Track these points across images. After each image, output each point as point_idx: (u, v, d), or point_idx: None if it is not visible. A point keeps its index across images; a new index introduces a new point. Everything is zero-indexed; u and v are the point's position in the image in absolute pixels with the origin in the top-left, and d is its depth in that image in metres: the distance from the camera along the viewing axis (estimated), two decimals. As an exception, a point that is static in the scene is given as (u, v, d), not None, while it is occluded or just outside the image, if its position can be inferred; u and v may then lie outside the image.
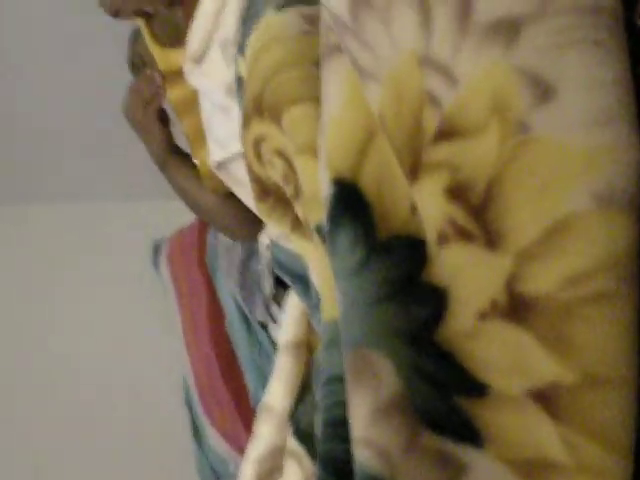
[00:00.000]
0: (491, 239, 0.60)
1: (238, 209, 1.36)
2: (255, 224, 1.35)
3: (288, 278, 1.07)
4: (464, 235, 0.62)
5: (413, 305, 0.66)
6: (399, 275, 0.67)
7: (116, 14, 1.32)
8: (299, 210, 0.91)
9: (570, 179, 0.56)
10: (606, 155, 0.55)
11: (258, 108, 0.91)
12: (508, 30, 0.56)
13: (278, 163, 0.91)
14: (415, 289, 0.66)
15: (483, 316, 0.62)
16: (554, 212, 0.57)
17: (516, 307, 0.59)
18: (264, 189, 0.99)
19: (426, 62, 0.61)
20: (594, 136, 0.55)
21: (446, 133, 0.61)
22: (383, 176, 0.69)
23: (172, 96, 1.34)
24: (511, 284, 0.59)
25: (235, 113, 1.09)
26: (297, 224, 0.95)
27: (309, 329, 1.12)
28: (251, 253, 1.54)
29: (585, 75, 0.55)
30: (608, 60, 0.55)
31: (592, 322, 0.56)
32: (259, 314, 1.52)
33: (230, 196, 1.33)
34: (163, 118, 1.40)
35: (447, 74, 0.60)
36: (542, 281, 0.58)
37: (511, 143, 0.57)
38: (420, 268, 0.66)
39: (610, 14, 0.56)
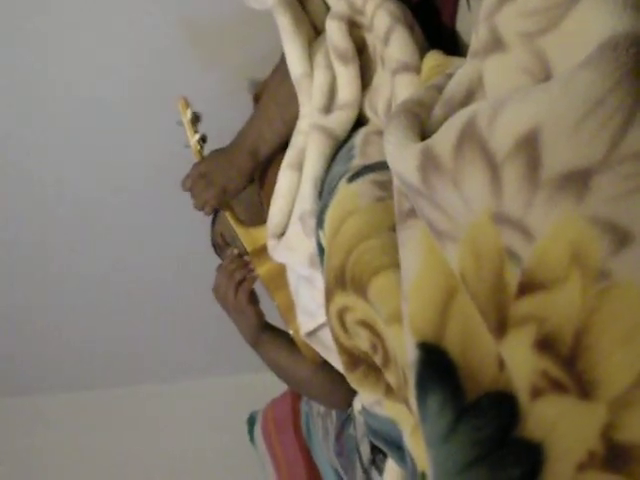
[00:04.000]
0: (584, 389, 0.59)
1: (332, 377, 1.36)
2: (349, 391, 1.34)
3: (382, 445, 1.05)
4: (557, 387, 0.60)
5: (506, 464, 0.64)
6: (490, 435, 0.65)
7: (202, 209, 1.40)
8: (390, 378, 0.90)
9: None
10: None
11: (340, 281, 0.93)
12: (577, 182, 0.57)
13: (363, 333, 0.92)
14: (508, 447, 0.64)
15: (581, 468, 0.60)
16: None
17: (614, 457, 0.57)
18: (353, 359, 0.99)
19: (500, 219, 0.62)
20: None
21: (529, 287, 0.61)
22: (467, 334, 0.69)
23: (261, 272, 1.38)
24: (607, 434, 0.58)
25: (319, 283, 1.11)
26: (391, 389, 0.94)
27: (412, 494, 1.08)
28: (346, 419, 1.52)
29: None
30: None
31: None
32: (360, 482, 1.48)
33: (324, 364, 1.33)
34: (253, 298, 1.44)
35: (522, 229, 0.60)
36: (639, 428, 0.56)
37: (593, 292, 0.57)
38: (512, 425, 0.65)
39: None
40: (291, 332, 1.36)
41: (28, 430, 2.53)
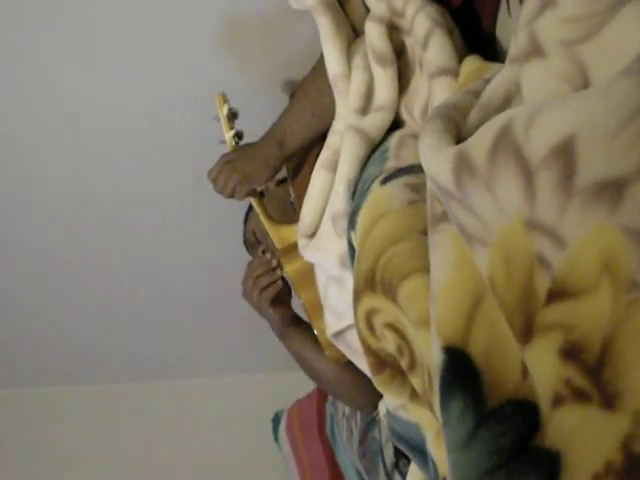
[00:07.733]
0: (607, 399, 0.58)
1: (357, 377, 1.36)
2: (375, 393, 1.34)
3: (405, 449, 1.05)
4: (580, 396, 0.60)
5: (524, 473, 0.64)
6: (510, 443, 0.65)
7: (231, 196, 1.40)
8: (415, 382, 0.90)
9: None
10: None
11: (370, 283, 0.93)
12: (612, 191, 0.57)
13: (390, 336, 0.92)
14: (527, 456, 0.64)
15: (597, 478, 0.59)
16: None
17: (631, 467, 0.57)
18: (379, 361, 0.99)
19: (532, 225, 0.62)
20: None
21: (558, 294, 0.61)
22: (492, 340, 0.69)
23: (289, 270, 1.38)
24: (627, 444, 0.57)
25: (349, 284, 1.11)
26: (416, 393, 0.94)
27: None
28: (371, 422, 1.52)
29: None
30: None
31: None
32: (382, 485, 1.48)
33: (349, 364, 1.33)
34: (283, 298, 1.44)
35: (554, 236, 0.60)
36: None
37: (623, 302, 0.57)
38: (532, 433, 0.65)
39: None
40: (316, 332, 1.36)
41: (56, 422, 2.56)
